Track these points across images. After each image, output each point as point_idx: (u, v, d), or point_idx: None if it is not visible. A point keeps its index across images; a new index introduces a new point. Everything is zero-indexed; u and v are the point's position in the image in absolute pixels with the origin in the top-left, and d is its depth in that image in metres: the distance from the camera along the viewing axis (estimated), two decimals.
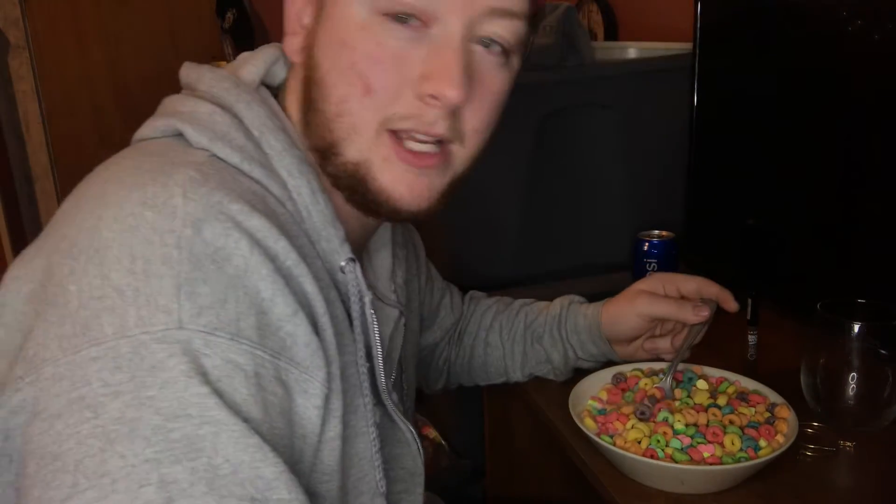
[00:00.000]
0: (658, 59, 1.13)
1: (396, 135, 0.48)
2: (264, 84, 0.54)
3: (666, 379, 0.72)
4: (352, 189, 0.51)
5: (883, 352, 0.65)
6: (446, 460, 1.18)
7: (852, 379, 0.66)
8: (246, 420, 0.39)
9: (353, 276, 0.50)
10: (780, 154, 0.92)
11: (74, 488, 0.35)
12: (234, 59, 0.56)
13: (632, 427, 0.66)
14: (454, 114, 0.49)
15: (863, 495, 0.63)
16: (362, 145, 0.49)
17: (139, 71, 2.58)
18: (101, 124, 2.65)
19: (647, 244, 0.97)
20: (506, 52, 0.51)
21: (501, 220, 1.11)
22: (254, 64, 0.54)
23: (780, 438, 0.64)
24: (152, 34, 2.52)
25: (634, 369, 0.77)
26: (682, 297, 0.76)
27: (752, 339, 0.88)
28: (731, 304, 0.76)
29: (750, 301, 0.87)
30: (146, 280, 0.39)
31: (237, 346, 0.40)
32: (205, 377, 0.38)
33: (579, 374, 0.79)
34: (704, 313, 0.73)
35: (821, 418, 0.69)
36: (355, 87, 0.47)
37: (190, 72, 0.54)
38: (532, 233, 1.12)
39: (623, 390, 0.74)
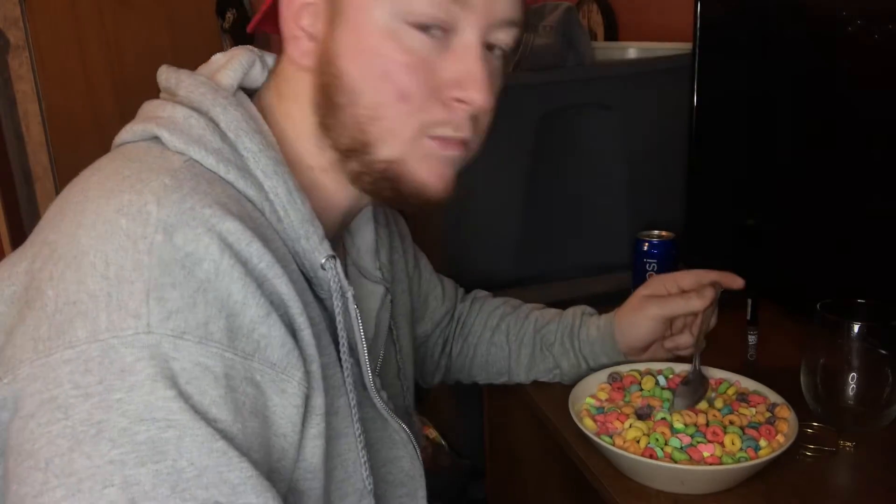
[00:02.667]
0: (658, 59, 1.13)
1: (436, 138, 0.52)
2: (242, 88, 0.55)
3: (693, 370, 0.73)
4: (378, 185, 0.54)
5: (883, 352, 0.65)
6: (446, 460, 1.18)
7: (852, 379, 0.66)
8: (214, 422, 0.40)
9: (333, 274, 0.51)
10: (780, 154, 0.92)
11: (45, 485, 0.37)
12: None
13: (630, 426, 0.66)
14: (475, 115, 0.52)
15: (863, 495, 0.63)
16: (399, 147, 0.52)
17: (139, 71, 2.58)
18: (100, 124, 2.65)
19: (646, 244, 0.97)
20: (505, 56, 0.55)
21: (501, 219, 1.11)
22: (231, 69, 0.54)
23: (780, 438, 0.64)
24: (152, 34, 2.53)
25: (631, 370, 0.77)
26: (684, 292, 0.77)
27: (751, 339, 0.88)
28: (736, 282, 0.77)
29: (750, 301, 0.87)
30: (118, 285, 0.40)
31: (205, 348, 0.40)
32: (172, 381, 0.39)
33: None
34: (708, 294, 0.75)
35: (821, 418, 0.69)
36: (389, 94, 0.50)
37: (169, 76, 0.54)
38: (532, 232, 1.12)
39: (620, 388, 0.74)
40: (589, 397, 0.73)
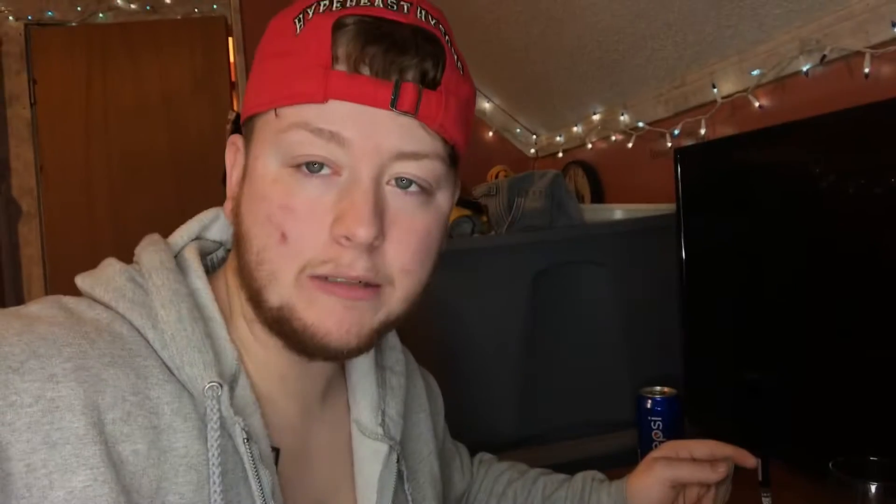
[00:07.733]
0: (644, 218, 1.19)
1: (318, 279, 0.49)
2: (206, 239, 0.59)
3: None
4: (282, 333, 0.51)
5: None
6: None
7: None
8: None
9: (212, 404, 0.47)
10: (771, 306, 0.93)
11: None
12: None
13: None
14: (375, 254, 0.49)
15: None
16: (283, 291, 0.49)
17: (143, 228, 2.66)
18: None
19: (650, 401, 0.96)
20: (426, 192, 0.51)
21: (501, 377, 1.10)
22: (188, 224, 0.59)
23: None
24: (159, 204, 2.65)
25: None
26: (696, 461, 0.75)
27: (765, 500, 0.84)
28: (748, 461, 0.74)
29: (760, 461, 0.84)
30: None
31: None
32: None
33: None
34: (722, 469, 0.72)
35: None
36: (272, 237, 0.49)
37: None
38: (532, 390, 1.11)
39: None
40: None
